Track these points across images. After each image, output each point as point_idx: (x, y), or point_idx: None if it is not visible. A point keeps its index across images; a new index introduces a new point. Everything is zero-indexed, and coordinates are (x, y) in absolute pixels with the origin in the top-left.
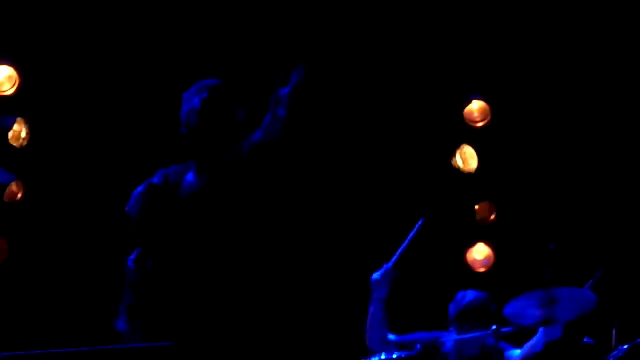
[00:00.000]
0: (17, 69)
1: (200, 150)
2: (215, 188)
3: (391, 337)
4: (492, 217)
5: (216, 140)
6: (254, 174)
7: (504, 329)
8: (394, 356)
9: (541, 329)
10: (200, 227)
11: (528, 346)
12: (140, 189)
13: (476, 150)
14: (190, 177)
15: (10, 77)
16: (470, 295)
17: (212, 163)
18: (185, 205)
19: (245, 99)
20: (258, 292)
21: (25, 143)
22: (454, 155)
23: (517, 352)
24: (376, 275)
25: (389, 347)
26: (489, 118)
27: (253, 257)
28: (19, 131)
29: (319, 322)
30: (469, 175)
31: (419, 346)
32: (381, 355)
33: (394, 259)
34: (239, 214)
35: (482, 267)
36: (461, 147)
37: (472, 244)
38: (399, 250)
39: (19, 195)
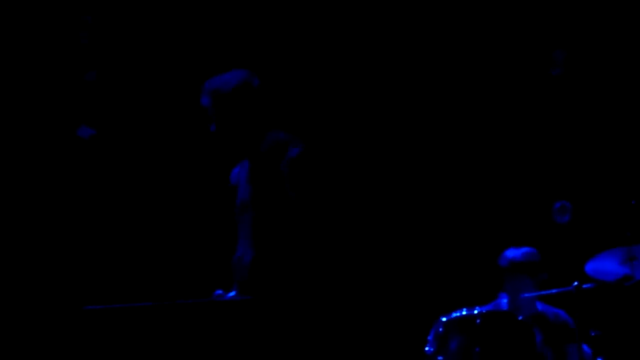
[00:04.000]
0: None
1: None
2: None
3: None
4: None
5: (245, 134)
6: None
7: (586, 285)
8: (475, 311)
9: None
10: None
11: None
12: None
13: (555, 102)
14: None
15: None
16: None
17: (248, 152)
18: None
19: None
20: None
21: None
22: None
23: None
24: None
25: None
26: None
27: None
28: None
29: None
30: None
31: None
32: (462, 310)
33: None
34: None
35: None
36: None
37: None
38: None
39: None
